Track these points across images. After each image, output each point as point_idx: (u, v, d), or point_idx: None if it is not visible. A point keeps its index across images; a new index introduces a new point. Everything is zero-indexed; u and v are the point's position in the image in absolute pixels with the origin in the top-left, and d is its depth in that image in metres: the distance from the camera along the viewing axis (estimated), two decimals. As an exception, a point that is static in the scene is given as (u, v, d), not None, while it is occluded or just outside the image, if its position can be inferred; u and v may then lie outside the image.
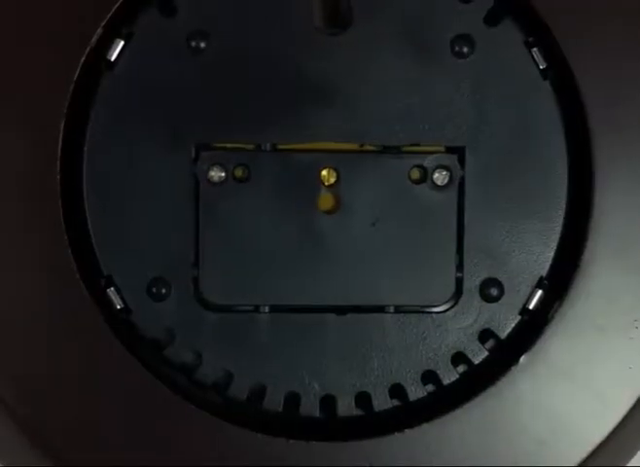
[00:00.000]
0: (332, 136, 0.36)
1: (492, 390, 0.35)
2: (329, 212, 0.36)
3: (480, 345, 0.36)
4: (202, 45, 0.35)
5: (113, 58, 0.35)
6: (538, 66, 0.36)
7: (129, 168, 0.35)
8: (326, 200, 0.36)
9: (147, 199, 0.35)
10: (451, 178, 0.36)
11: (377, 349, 0.36)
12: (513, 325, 0.37)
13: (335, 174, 0.36)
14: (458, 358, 0.36)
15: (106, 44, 0.35)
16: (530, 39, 0.36)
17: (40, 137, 0.34)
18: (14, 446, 0.35)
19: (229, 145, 0.36)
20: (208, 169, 0.36)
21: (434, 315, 0.36)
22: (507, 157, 0.36)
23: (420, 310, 0.36)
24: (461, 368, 0.37)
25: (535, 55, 0.36)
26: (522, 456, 0.35)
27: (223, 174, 0.36)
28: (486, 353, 0.36)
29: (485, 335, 0.37)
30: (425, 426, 0.35)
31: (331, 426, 0.36)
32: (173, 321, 0.36)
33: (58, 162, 0.34)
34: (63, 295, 0.34)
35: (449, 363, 0.36)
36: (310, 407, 0.36)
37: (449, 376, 0.36)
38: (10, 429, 0.35)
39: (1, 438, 0.35)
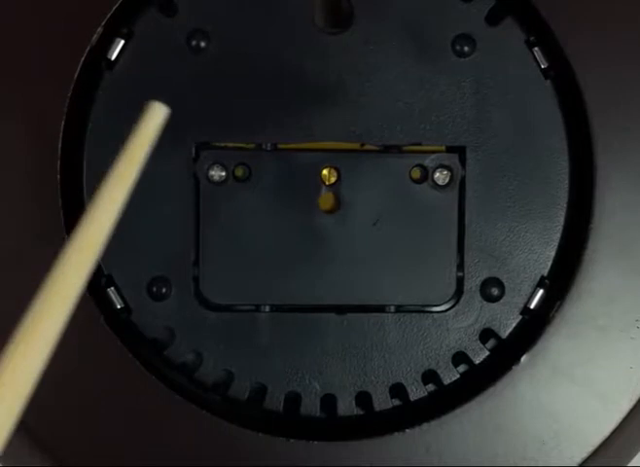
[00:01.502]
0: (332, 136, 0.36)
1: (493, 390, 0.35)
2: (329, 212, 0.36)
3: (481, 345, 0.36)
4: (203, 44, 0.35)
5: (113, 58, 0.35)
6: (539, 66, 0.36)
7: (129, 168, 0.35)
8: (326, 200, 0.36)
9: (147, 199, 0.35)
10: (452, 178, 0.36)
11: (378, 349, 0.36)
12: (514, 325, 0.36)
13: (335, 174, 0.36)
14: (459, 358, 0.36)
15: (106, 43, 0.35)
16: (531, 38, 0.36)
17: (40, 137, 0.34)
18: (13, 446, 0.35)
19: (229, 144, 0.36)
20: (209, 169, 0.36)
21: (435, 315, 0.36)
22: (508, 156, 0.36)
23: (421, 310, 0.36)
24: (462, 367, 0.37)
25: (536, 55, 0.36)
26: (522, 456, 0.35)
27: (223, 173, 0.36)
28: (487, 353, 0.36)
29: (486, 334, 0.37)
30: (425, 426, 0.35)
31: (331, 426, 0.36)
32: (173, 321, 0.36)
33: (58, 162, 0.34)
34: (63, 295, 0.34)
35: (450, 363, 0.36)
36: (311, 406, 0.36)
37: (450, 375, 0.36)
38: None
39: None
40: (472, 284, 0.36)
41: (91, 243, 0.24)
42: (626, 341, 0.35)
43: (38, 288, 0.34)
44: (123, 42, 0.35)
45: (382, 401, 0.36)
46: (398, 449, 0.35)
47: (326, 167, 0.36)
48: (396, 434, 0.35)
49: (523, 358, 0.35)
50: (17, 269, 0.34)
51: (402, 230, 0.36)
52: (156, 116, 0.28)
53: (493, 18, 0.36)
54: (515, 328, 0.36)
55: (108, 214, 0.25)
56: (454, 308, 0.36)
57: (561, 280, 0.36)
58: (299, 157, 0.36)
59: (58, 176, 0.34)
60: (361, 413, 0.36)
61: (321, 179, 0.36)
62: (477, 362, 0.36)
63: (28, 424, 0.34)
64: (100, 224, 0.25)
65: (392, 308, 0.36)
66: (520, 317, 0.36)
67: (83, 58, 0.34)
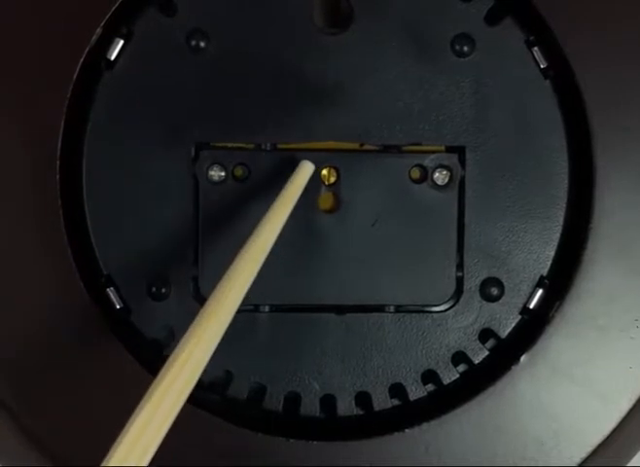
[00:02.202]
0: (332, 136, 0.36)
1: (492, 390, 0.35)
2: (329, 211, 0.36)
3: (481, 345, 0.36)
4: (202, 44, 0.35)
5: (113, 58, 0.35)
6: (539, 65, 0.36)
7: (129, 168, 0.35)
8: (326, 200, 0.36)
9: (147, 199, 0.35)
10: (452, 178, 0.36)
11: (377, 349, 0.36)
12: (513, 324, 0.36)
13: (335, 174, 0.36)
14: (458, 357, 0.36)
15: (106, 43, 0.35)
16: (531, 38, 0.36)
17: (40, 137, 0.34)
18: (13, 446, 0.35)
19: (228, 144, 0.36)
20: (208, 169, 0.36)
21: (434, 315, 0.36)
22: (507, 156, 0.36)
23: (420, 310, 0.36)
24: (461, 367, 0.37)
25: (536, 55, 0.36)
26: (522, 456, 0.35)
27: (223, 174, 0.36)
28: (487, 353, 0.36)
29: (486, 334, 0.37)
30: (425, 426, 0.35)
31: (331, 426, 0.36)
32: (173, 321, 0.36)
33: (58, 162, 0.34)
34: (63, 295, 0.34)
35: (450, 362, 0.36)
36: (310, 406, 0.36)
37: (450, 375, 0.36)
38: (9, 430, 0.35)
39: (0, 438, 0.35)
40: (471, 284, 0.36)
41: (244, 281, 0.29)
42: (626, 340, 0.35)
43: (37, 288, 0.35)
44: (122, 42, 0.35)
45: (382, 401, 0.36)
46: (397, 449, 0.35)
47: (325, 167, 0.36)
48: (395, 434, 0.35)
49: (523, 358, 0.35)
50: (17, 269, 0.34)
51: (401, 229, 0.36)
52: (306, 171, 0.33)
53: (492, 18, 0.36)
54: (515, 328, 0.37)
55: (261, 250, 0.30)
56: (454, 308, 0.36)
57: (561, 280, 0.36)
58: (298, 157, 0.36)
59: (58, 176, 0.34)
60: (360, 413, 0.36)
61: (320, 179, 0.36)
62: (476, 362, 0.36)
63: (25, 423, 0.34)
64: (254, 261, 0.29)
65: (391, 308, 0.36)
66: (520, 317, 0.36)
67: (82, 59, 0.34)
